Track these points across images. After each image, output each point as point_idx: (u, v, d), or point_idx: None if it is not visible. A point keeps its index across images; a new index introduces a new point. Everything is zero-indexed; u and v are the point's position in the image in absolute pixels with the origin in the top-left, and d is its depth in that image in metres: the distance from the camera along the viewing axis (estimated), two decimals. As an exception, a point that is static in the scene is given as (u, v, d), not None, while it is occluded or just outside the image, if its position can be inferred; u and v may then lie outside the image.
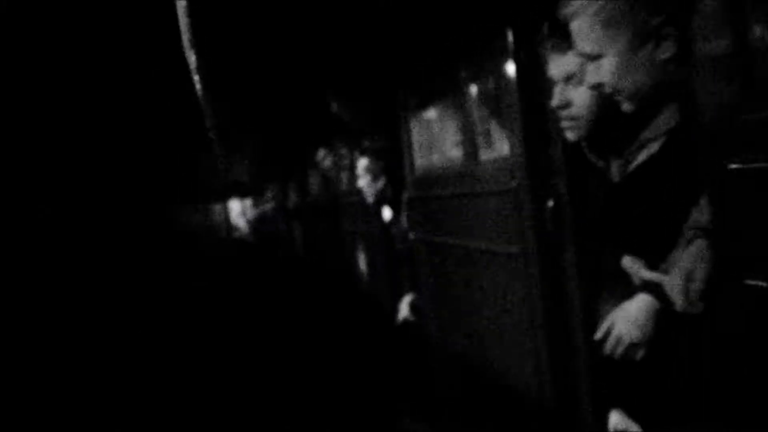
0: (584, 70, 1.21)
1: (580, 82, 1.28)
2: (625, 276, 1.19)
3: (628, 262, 1.18)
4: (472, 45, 2.02)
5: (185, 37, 2.80)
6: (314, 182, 6.47)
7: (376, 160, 3.06)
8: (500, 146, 1.99)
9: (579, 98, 1.29)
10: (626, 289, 1.16)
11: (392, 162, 3.02)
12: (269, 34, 3.68)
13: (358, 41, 3.15)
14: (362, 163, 3.09)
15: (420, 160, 2.82)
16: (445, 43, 2.27)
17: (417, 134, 2.83)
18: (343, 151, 4.39)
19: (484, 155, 2.13)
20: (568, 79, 1.31)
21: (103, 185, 0.65)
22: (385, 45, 2.86)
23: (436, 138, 2.69)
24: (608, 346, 1.17)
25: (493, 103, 2.01)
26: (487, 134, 2.11)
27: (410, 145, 2.83)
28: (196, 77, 3.09)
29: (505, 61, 1.77)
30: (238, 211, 20.21)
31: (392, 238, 3.33)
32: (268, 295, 5.56)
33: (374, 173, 3.07)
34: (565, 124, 1.34)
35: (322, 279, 5.88)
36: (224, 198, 7.45)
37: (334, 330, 4.01)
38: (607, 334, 1.17)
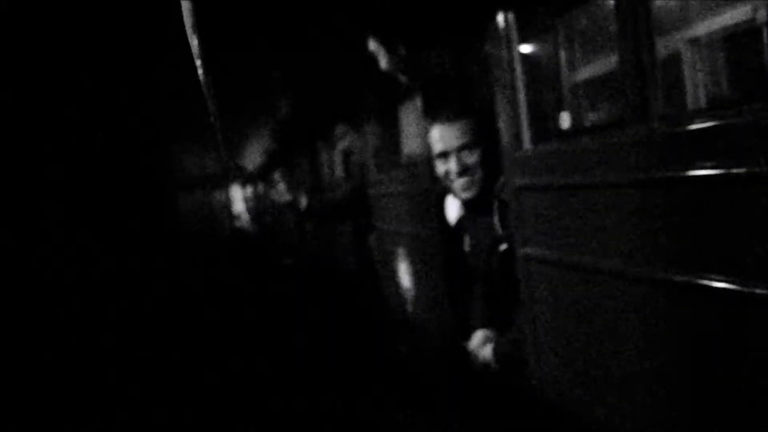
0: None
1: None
2: None
3: None
4: None
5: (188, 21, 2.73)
6: (328, 168, 5.35)
7: (466, 126, 1.94)
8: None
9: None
10: None
11: (483, 131, 1.92)
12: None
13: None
14: (440, 133, 1.97)
15: (549, 122, 1.71)
16: None
17: (535, 65, 1.72)
18: (377, 123, 3.26)
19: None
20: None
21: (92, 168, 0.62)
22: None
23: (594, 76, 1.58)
24: None
25: None
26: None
27: (519, 87, 1.71)
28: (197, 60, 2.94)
29: None
30: (240, 199, 19.34)
31: (460, 248, 2.24)
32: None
33: (464, 145, 1.95)
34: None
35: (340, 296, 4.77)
36: (225, 184, 6.45)
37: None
38: None
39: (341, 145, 3.98)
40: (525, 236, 1.72)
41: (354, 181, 3.93)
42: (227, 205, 7.27)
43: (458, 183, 1.96)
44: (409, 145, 2.80)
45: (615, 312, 1.38)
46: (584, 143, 1.47)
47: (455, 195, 2.03)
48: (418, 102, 2.35)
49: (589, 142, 1.44)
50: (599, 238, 1.40)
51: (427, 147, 2.38)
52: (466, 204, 2.06)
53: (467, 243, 2.18)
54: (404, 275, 3.00)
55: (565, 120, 1.63)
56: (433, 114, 2.01)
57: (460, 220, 2.21)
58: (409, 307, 2.99)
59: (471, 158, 1.94)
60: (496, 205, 1.95)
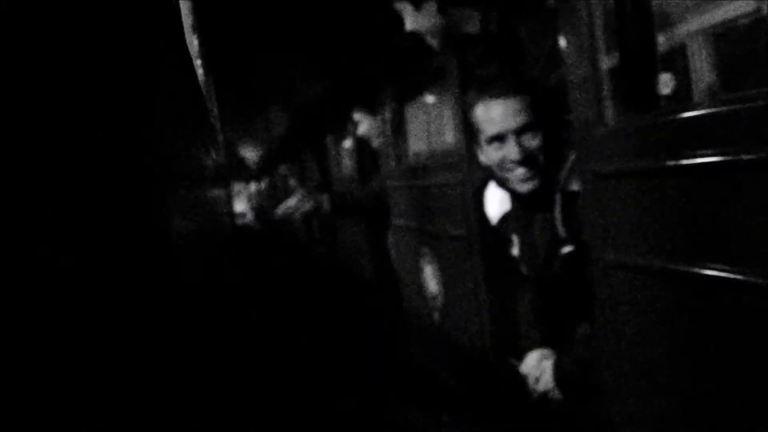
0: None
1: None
2: None
3: None
4: None
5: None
6: (339, 160, 4.98)
7: (525, 102, 1.54)
8: None
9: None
10: None
11: (544, 108, 1.53)
12: None
13: None
14: (492, 111, 1.57)
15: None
16: None
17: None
18: (400, 105, 2.90)
19: None
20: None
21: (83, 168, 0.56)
22: None
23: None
24: None
25: None
26: None
27: (599, 45, 1.33)
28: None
29: None
30: (244, 195, 19.04)
31: (505, 250, 1.87)
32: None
33: (525, 126, 1.55)
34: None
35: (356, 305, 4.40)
36: (226, 181, 6.13)
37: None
38: None
39: (357, 133, 3.61)
40: (605, 237, 1.35)
41: (372, 173, 3.57)
42: (229, 202, 7.01)
43: (517, 173, 1.59)
44: (439, 128, 2.43)
45: (743, 339, 1.01)
46: (703, 112, 1.10)
47: (510, 187, 1.66)
48: (453, 72, 1.98)
49: (713, 109, 1.07)
50: (726, 241, 1.03)
51: (464, 130, 2.02)
52: (520, 198, 1.69)
53: (516, 244, 1.81)
54: (430, 279, 2.63)
55: (667, 84, 1.26)
56: (479, 88, 1.64)
57: (506, 218, 1.84)
58: (436, 317, 2.62)
59: (533, 142, 1.56)
60: (558, 198, 1.58)
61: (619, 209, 1.30)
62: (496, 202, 1.89)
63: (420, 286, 2.77)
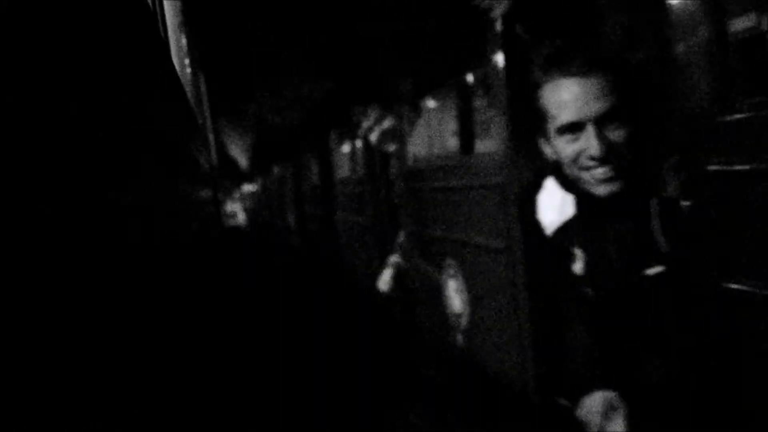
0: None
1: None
2: None
3: None
4: None
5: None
6: (344, 161, 4.64)
7: (608, 82, 1.21)
8: None
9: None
10: None
11: (632, 91, 1.22)
12: None
13: None
14: (566, 93, 1.23)
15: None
16: None
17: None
18: (419, 96, 2.57)
19: None
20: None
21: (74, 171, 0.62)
22: None
23: None
24: None
25: None
26: None
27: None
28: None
29: None
30: (236, 197, 18.74)
31: (563, 266, 1.54)
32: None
33: (610, 113, 1.21)
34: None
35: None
36: (214, 182, 5.85)
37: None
38: None
39: (363, 131, 3.28)
40: (724, 258, 1.03)
41: (373, 176, 3.24)
42: (218, 203, 6.73)
43: (597, 172, 1.25)
44: (470, 120, 2.11)
45: None
46: None
47: (582, 189, 1.33)
48: (498, 44, 1.65)
49: None
50: None
51: (510, 119, 1.70)
52: (593, 203, 1.36)
53: (580, 260, 1.48)
54: (454, 295, 2.31)
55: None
56: (548, 62, 1.31)
57: (568, 226, 1.50)
58: (459, 339, 2.29)
59: (619, 133, 1.23)
60: (655, 205, 1.25)
61: (749, 222, 0.98)
62: (553, 207, 1.56)
63: (440, 302, 2.44)
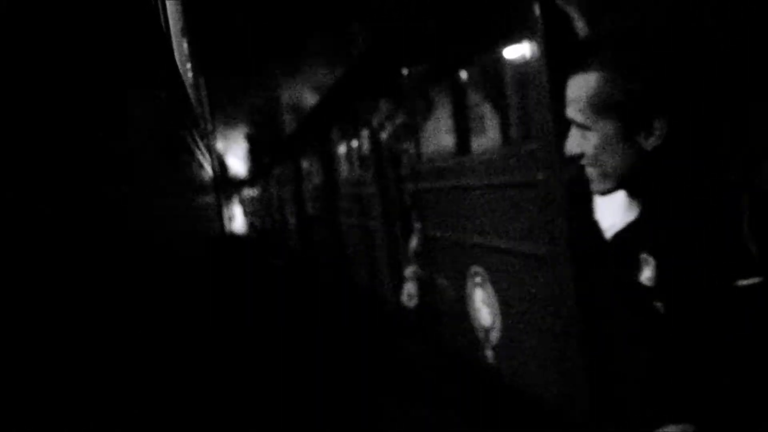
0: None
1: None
2: None
3: None
4: None
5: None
6: (349, 158, 4.40)
7: None
8: None
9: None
10: None
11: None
12: None
13: None
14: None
15: None
16: None
17: None
18: (442, 85, 2.33)
19: None
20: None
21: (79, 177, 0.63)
22: None
23: None
24: None
25: None
26: None
27: None
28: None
29: None
30: (236, 202, 18.58)
31: (625, 277, 1.30)
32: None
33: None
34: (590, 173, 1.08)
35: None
36: (216, 190, 5.74)
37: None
38: None
39: (379, 129, 3.04)
40: None
41: (383, 176, 3.00)
42: (220, 208, 6.60)
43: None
44: (502, 109, 1.87)
45: None
46: None
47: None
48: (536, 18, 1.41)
49: None
50: None
51: (552, 103, 1.46)
52: (666, 200, 1.13)
53: (650, 268, 1.24)
54: (481, 307, 2.06)
55: None
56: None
57: (633, 228, 1.26)
58: (489, 355, 2.05)
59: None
60: (746, 202, 1.01)
61: None
62: (613, 206, 1.32)
63: (463, 313, 2.19)
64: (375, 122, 3.07)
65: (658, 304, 1.27)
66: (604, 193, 1.20)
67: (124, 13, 1.08)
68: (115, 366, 0.67)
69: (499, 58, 1.74)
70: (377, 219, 3.44)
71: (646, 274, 1.26)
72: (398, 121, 2.71)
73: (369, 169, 3.53)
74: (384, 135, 3.02)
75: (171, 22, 2.58)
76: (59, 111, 0.59)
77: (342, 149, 4.44)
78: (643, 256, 1.25)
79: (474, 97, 1.97)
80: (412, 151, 2.59)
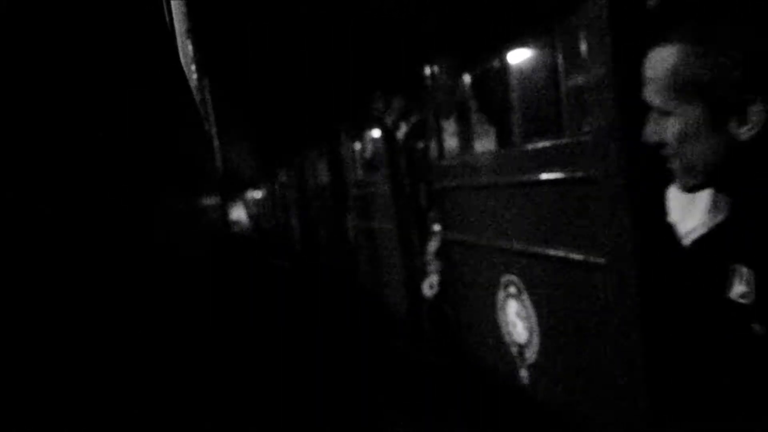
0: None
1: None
2: None
3: None
4: None
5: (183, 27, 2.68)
6: (360, 158, 4.17)
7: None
8: None
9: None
10: None
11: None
12: None
13: None
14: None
15: None
16: None
17: None
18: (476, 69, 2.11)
19: None
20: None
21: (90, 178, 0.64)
22: None
23: None
24: None
25: None
26: None
27: None
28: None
29: None
30: (240, 203, 18.45)
31: (710, 290, 1.08)
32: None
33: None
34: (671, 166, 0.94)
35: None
36: (220, 190, 5.65)
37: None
38: None
39: (394, 127, 2.82)
40: None
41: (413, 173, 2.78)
42: (224, 210, 6.48)
43: None
44: (558, 91, 1.64)
45: None
46: None
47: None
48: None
49: None
50: None
51: (621, 90, 1.24)
52: (762, 199, 0.92)
53: (743, 282, 1.01)
54: (515, 321, 1.84)
55: None
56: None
57: (719, 233, 1.04)
58: (523, 375, 1.82)
59: None
60: None
61: None
62: (693, 207, 1.10)
63: (493, 327, 1.96)
64: (388, 120, 2.85)
65: (756, 326, 1.05)
66: (688, 190, 1.01)
67: (130, 14, 1.08)
68: (116, 366, 0.67)
69: (551, 29, 1.52)
70: (389, 221, 3.21)
71: (739, 289, 1.05)
72: (414, 118, 2.49)
73: (380, 169, 3.30)
74: (398, 133, 2.80)
75: (176, 23, 2.55)
76: (62, 111, 0.58)
77: (349, 149, 4.22)
78: (734, 266, 1.04)
79: (515, 80, 1.74)
80: (432, 147, 2.37)
